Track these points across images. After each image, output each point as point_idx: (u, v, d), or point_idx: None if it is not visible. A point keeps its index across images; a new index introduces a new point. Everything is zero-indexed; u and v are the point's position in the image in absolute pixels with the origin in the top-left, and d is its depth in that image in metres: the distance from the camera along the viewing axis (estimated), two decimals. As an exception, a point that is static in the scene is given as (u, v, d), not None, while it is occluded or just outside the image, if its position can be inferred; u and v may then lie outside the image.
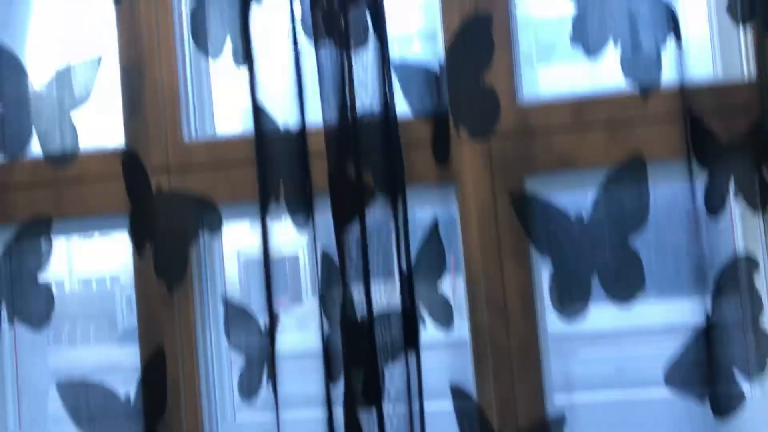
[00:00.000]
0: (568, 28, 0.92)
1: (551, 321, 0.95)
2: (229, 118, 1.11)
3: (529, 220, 0.92)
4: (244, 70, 0.92)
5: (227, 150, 1.00)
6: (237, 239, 1.05)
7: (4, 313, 1.00)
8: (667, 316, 0.95)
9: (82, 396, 0.98)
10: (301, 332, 0.97)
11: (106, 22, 1.03)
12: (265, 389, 0.92)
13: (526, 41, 1.00)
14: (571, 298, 0.89)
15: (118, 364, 1.23)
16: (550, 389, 0.94)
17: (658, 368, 0.90)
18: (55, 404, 1.18)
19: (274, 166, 0.91)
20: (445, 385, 0.93)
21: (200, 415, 0.99)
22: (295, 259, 1.07)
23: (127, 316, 1.28)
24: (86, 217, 1.03)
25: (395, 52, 0.90)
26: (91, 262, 1.35)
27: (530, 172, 0.94)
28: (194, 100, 1.04)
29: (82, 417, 0.99)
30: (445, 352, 0.95)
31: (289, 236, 0.95)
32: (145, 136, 1.01)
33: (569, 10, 0.92)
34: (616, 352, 1.13)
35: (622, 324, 1.01)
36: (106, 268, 1.34)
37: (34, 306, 0.99)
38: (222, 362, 1.03)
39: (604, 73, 0.94)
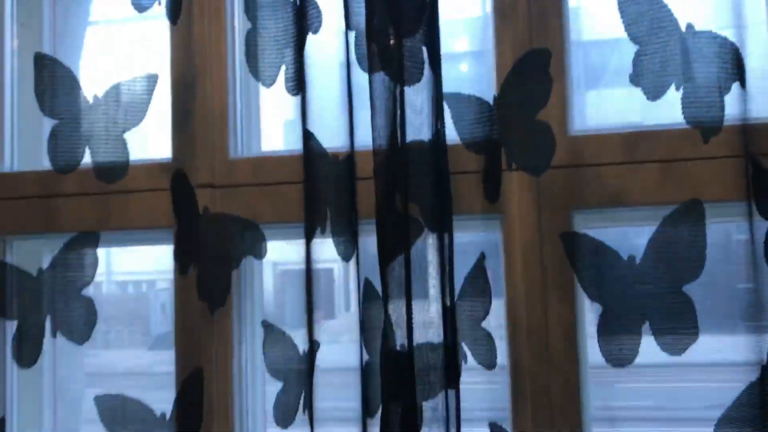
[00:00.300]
0: (624, 61, 0.90)
1: (593, 353, 0.92)
2: (275, 137, 1.11)
3: (577, 258, 0.90)
4: (296, 99, 0.91)
5: (272, 168, 1.00)
6: (274, 250, 1.05)
7: (49, 327, 1.01)
8: (713, 354, 0.92)
9: (119, 410, 0.99)
10: (331, 346, 0.97)
11: (160, 39, 1.04)
12: (301, 415, 0.92)
13: (576, 65, 0.98)
14: (620, 344, 0.87)
15: (150, 369, 1.23)
16: (589, 425, 0.92)
17: (700, 405, 0.87)
18: (88, 411, 1.19)
19: (321, 194, 0.90)
20: (482, 404, 0.92)
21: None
22: (329, 271, 1.06)
23: (161, 322, 1.30)
24: (132, 229, 1.04)
25: (443, 72, 0.89)
26: (128, 264, 1.36)
27: (579, 207, 0.92)
28: (242, 118, 1.04)
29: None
30: (483, 384, 0.94)
31: (324, 251, 0.95)
32: (192, 152, 1.01)
33: (626, 44, 0.90)
34: (658, 386, 1.10)
35: (665, 358, 0.98)
36: (143, 272, 1.34)
37: (77, 321, 1.00)
38: (256, 384, 1.03)
39: (661, 106, 0.91)
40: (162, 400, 1.01)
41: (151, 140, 1.09)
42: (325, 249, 0.93)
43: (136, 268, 1.36)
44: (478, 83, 0.95)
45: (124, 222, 1.03)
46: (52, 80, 1.02)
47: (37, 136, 1.13)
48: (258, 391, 1.03)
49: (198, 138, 1.01)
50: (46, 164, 1.11)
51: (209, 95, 1.01)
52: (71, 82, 1.03)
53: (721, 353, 0.93)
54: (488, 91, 0.93)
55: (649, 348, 0.91)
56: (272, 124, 1.09)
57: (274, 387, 0.96)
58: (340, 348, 0.97)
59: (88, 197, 1.04)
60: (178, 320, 1.00)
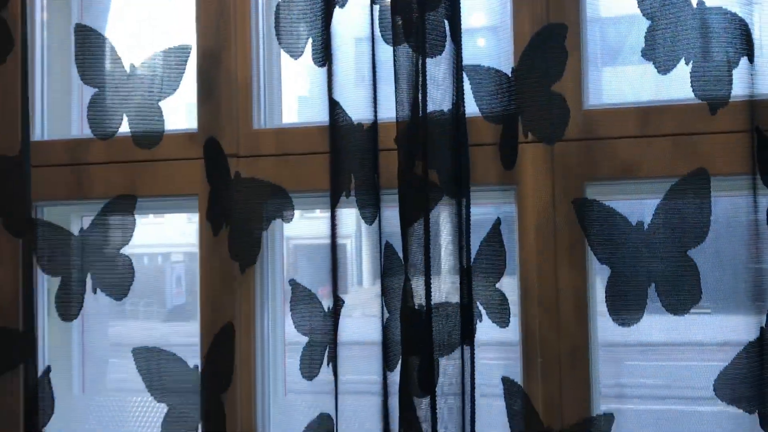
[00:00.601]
0: (640, 39, 0.93)
1: (602, 329, 0.96)
2: (296, 109, 1.15)
3: (588, 222, 0.94)
4: (323, 70, 0.96)
5: (295, 139, 1.04)
6: (289, 225, 1.08)
7: (90, 284, 1.07)
8: (721, 332, 0.95)
9: (154, 361, 1.05)
10: (344, 320, 1.01)
11: (185, 11, 1.07)
12: (325, 369, 0.97)
13: (592, 41, 1.01)
14: (626, 304, 0.91)
15: (166, 341, 1.25)
16: (597, 393, 0.96)
17: (708, 384, 0.90)
18: (113, 374, 1.25)
19: (346, 160, 0.95)
20: (496, 379, 0.96)
21: (254, 389, 1.04)
22: (343, 247, 1.10)
23: (176, 294, 1.34)
24: (159, 196, 1.09)
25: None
26: (143, 237, 1.38)
27: (591, 178, 0.96)
28: (265, 90, 1.08)
29: (154, 382, 1.06)
30: (498, 348, 0.99)
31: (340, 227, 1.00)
32: (217, 123, 1.06)
33: (642, 23, 0.93)
34: (666, 364, 1.12)
35: (673, 337, 1.01)
36: (159, 244, 1.37)
37: (116, 278, 1.06)
38: (277, 342, 1.08)
39: (673, 82, 0.94)
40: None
41: (184, 110, 1.13)
42: (338, 225, 0.98)
43: (152, 240, 1.40)
44: (496, 57, 0.98)
45: (152, 189, 1.08)
46: (92, 50, 1.07)
47: (65, 106, 1.18)
48: (279, 348, 1.08)
49: (223, 109, 1.06)
50: (74, 133, 1.16)
51: (234, 67, 1.06)
52: (110, 52, 1.08)
53: (730, 333, 0.95)
54: (505, 65, 0.97)
55: (657, 327, 0.95)
56: (286, 99, 1.13)
57: (297, 343, 1.02)
58: (352, 322, 0.99)
59: (117, 165, 1.09)
60: (208, 279, 1.05)
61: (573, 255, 0.95)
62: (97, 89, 1.07)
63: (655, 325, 0.95)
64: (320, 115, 0.99)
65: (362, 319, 0.97)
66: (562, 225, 0.96)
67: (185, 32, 1.08)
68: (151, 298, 1.33)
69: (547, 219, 0.96)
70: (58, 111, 1.18)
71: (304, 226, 1.10)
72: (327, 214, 0.95)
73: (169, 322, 1.34)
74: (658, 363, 1.08)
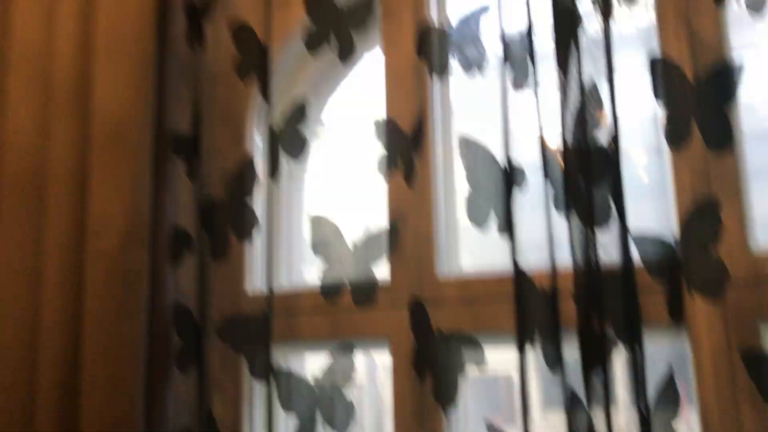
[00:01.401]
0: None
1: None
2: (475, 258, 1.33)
3: (763, 378, 0.99)
4: (505, 237, 1.14)
5: (475, 287, 1.21)
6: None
7: (320, 420, 1.28)
8: None
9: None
10: None
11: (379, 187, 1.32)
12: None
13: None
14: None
15: None
16: None
17: None
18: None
19: (529, 313, 1.10)
20: None
21: None
22: (509, 378, 1.21)
23: None
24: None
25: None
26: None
27: (765, 320, 1.02)
28: (446, 244, 1.28)
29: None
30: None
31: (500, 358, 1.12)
32: (403, 273, 1.25)
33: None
34: None
35: None
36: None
37: (341, 414, 1.26)
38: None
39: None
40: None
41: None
42: (502, 356, 1.10)
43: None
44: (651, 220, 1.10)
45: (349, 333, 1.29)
46: (325, 235, 1.33)
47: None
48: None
49: (410, 261, 1.26)
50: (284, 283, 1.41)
51: (418, 225, 1.26)
52: (339, 236, 1.33)
53: None
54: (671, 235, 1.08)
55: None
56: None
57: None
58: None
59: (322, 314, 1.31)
60: (410, 418, 1.21)
61: (754, 403, 1.00)
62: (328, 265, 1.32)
63: None
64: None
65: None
66: (740, 374, 1.01)
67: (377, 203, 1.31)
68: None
69: (723, 361, 1.03)
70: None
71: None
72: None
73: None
74: None
